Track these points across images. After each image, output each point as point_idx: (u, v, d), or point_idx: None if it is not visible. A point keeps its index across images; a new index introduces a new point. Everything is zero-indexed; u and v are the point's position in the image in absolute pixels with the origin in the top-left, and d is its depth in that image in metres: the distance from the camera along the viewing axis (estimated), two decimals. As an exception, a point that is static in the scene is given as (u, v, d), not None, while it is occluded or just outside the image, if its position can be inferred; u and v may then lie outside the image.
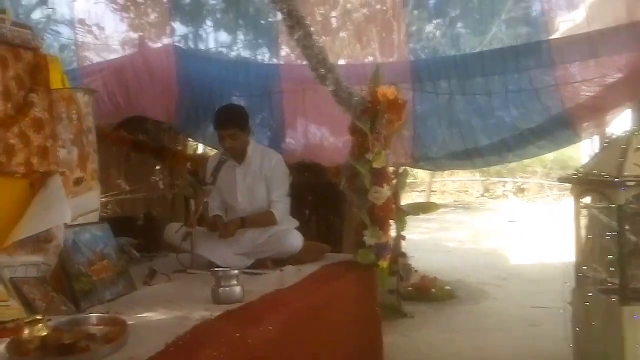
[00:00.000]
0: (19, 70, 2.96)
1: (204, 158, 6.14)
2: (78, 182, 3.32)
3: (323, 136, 6.19)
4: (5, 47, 2.93)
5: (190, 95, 6.30)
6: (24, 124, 2.95)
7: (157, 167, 6.66)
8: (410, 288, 6.91)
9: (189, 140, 6.82)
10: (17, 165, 2.91)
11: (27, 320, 2.54)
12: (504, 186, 20.26)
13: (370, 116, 4.01)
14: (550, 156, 16.06)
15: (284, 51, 6.24)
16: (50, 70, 3.17)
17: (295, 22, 3.77)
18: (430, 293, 6.92)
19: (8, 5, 7.52)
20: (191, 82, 6.29)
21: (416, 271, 7.54)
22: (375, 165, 4.01)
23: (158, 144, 6.48)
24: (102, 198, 6.22)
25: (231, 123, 4.32)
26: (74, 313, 3.01)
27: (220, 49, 7.03)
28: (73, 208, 3.25)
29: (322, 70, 3.92)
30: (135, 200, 6.38)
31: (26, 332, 2.44)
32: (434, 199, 17.31)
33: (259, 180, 4.44)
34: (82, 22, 8.41)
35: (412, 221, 4.61)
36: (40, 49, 3.14)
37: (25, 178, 3.03)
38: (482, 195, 20.15)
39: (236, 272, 3.26)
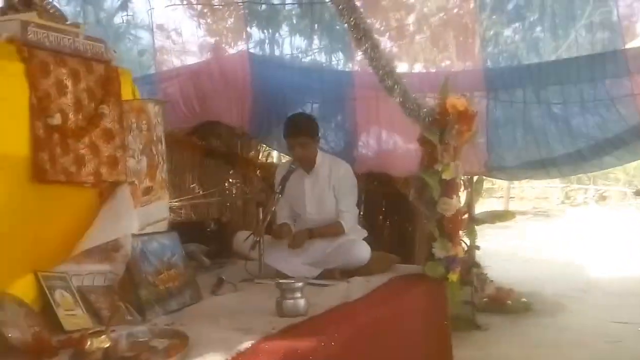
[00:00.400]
0: (90, 83, 3.00)
1: (273, 165, 6.15)
2: (147, 191, 3.35)
3: (396, 144, 6.11)
4: (78, 60, 2.98)
5: (264, 100, 6.33)
6: (94, 134, 2.99)
7: (231, 172, 6.71)
8: (485, 299, 6.73)
9: (262, 146, 6.83)
10: (86, 175, 2.95)
11: (91, 331, 2.57)
12: (585, 193, 19.64)
13: (439, 127, 3.93)
14: (633, 163, 15.46)
15: (359, 55, 6.22)
16: (121, 82, 3.20)
17: (362, 34, 3.71)
18: (505, 305, 6.72)
19: (90, 9, 7.79)
20: (265, 88, 6.32)
21: (491, 281, 7.34)
22: (444, 177, 3.93)
23: (230, 149, 6.53)
24: (175, 202, 6.34)
25: (301, 132, 4.31)
26: (139, 323, 3.02)
27: (296, 54, 7.11)
28: (141, 217, 3.29)
29: (389, 82, 3.86)
30: (208, 205, 6.45)
31: (89, 343, 2.46)
32: (513, 205, 16.95)
33: (327, 190, 4.42)
34: (160, 27, 8.59)
35: (488, 229, 4.50)
36: (111, 62, 3.18)
37: (94, 187, 3.07)
38: (562, 202, 19.58)
39: (300, 284, 3.22)
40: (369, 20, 7.49)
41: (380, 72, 3.89)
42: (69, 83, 2.89)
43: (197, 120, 6.56)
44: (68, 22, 3.05)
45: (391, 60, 4.02)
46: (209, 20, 8.75)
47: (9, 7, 2.92)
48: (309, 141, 4.31)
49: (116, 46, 7.71)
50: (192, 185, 6.50)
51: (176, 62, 7.99)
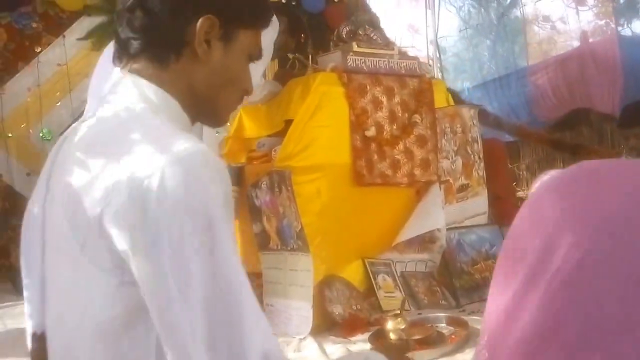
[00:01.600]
0: (404, 96, 3.27)
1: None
2: (462, 188, 3.49)
3: None
4: (393, 78, 3.27)
5: (636, 85, 5.83)
6: (408, 140, 3.25)
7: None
8: None
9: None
10: (401, 177, 3.23)
11: (390, 314, 2.86)
12: None
13: None
14: None
15: None
16: (435, 92, 3.39)
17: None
18: None
19: (481, 12, 8.07)
20: (636, 72, 5.83)
21: None
22: None
23: (601, 135, 6.17)
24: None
25: (633, 122, 3.93)
26: (452, 307, 3.22)
27: None
28: (458, 211, 3.46)
29: None
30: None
31: (389, 324, 2.74)
32: None
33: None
34: (546, 18, 8.45)
35: None
36: (425, 75, 3.39)
37: (409, 187, 3.33)
38: None
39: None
40: None
41: None
42: (383, 99, 3.20)
43: (567, 109, 6.35)
44: (384, 46, 3.36)
45: None
46: (594, 3, 8.33)
47: (339, 40, 3.33)
48: None
49: (508, 41, 7.82)
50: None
51: (554, 52, 7.82)
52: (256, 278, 3.36)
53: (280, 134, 3.31)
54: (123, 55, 1.08)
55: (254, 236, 3.24)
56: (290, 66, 3.88)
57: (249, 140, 3.60)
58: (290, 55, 3.87)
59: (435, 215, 3.25)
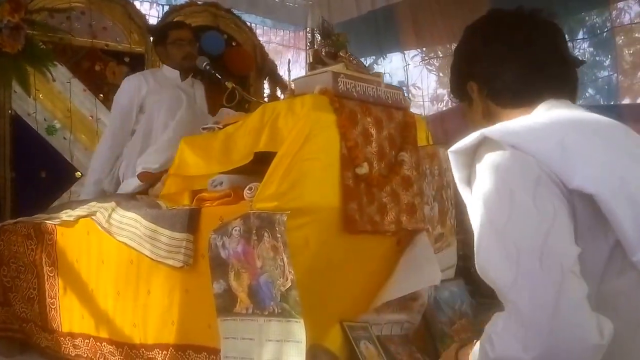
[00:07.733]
0: (391, 130, 2.59)
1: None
2: (439, 238, 2.87)
3: None
4: (380, 108, 2.58)
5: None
6: (394, 182, 2.57)
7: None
8: None
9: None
10: (388, 224, 2.52)
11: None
12: None
13: None
14: None
15: None
16: (417, 128, 2.77)
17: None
18: None
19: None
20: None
21: None
22: None
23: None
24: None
25: None
26: (436, 377, 2.54)
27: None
28: (435, 264, 2.81)
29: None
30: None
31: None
32: None
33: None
34: (401, 83, 8.38)
35: None
36: (409, 108, 2.77)
37: (393, 236, 2.63)
38: None
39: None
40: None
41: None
42: (373, 132, 2.50)
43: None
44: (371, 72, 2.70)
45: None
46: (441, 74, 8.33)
47: (317, 61, 2.61)
48: None
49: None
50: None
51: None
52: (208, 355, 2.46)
53: (245, 170, 2.49)
54: None
55: (212, 297, 2.34)
56: (229, 97, 3.08)
57: (192, 179, 2.68)
58: (229, 85, 3.08)
59: (429, 269, 2.56)
